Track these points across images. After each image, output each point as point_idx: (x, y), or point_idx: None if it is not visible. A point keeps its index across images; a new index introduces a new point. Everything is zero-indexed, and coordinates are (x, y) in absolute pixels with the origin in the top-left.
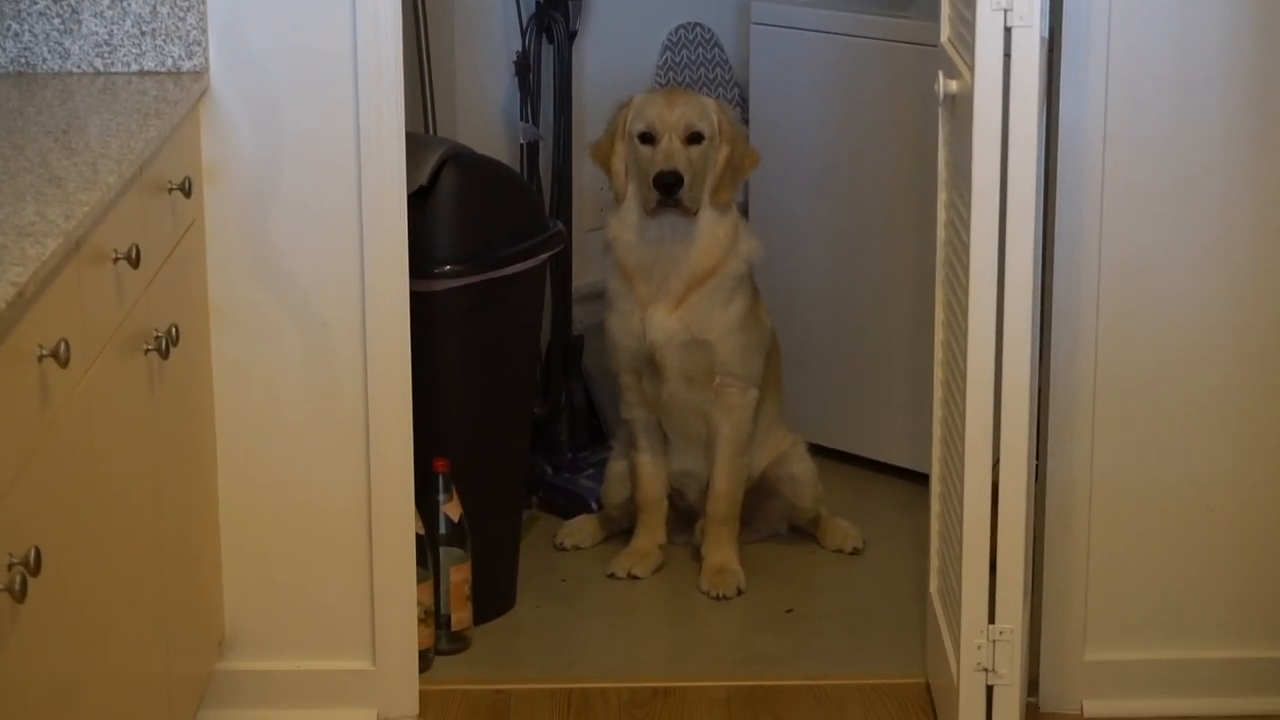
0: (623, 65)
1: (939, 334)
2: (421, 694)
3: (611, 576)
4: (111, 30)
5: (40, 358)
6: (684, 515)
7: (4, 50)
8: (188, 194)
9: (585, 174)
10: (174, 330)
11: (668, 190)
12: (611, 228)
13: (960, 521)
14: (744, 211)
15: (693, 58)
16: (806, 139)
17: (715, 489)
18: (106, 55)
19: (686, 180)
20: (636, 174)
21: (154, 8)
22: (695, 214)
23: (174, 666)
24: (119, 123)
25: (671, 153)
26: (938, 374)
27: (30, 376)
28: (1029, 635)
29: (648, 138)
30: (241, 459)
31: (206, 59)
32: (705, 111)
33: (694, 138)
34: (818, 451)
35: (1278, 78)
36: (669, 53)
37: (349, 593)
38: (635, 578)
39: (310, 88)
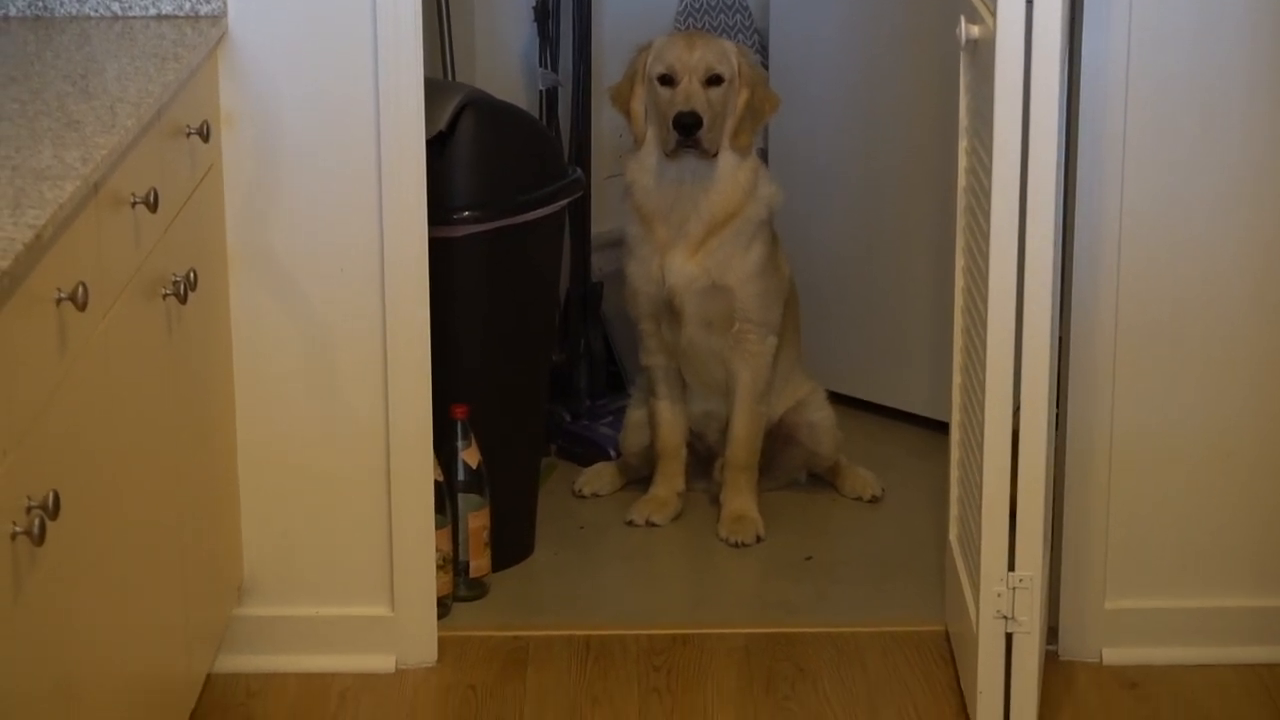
0: (642, 11)
1: (959, 281)
2: (440, 640)
3: (630, 524)
4: None
5: (58, 301)
6: (703, 458)
7: None
8: (206, 138)
9: (604, 120)
10: (192, 275)
11: (687, 131)
12: (630, 171)
13: (980, 469)
14: (764, 158)
15: (712, 3)
16: (826, 85)
17: (734, 436)
18: None
19: (706, 121)
20: (656, 116)
21: None
22: (714, 156)
23: (192, 612)
24: (137, 66)
25: (691, 94)
26: (958, 321)
27: (48, 320)
28: (1048, 583)
29: (667, 80)
30: (260, 404)
31: (225, 2)
32: (725, 54)
33: (713, 80)
34: (837, 399)
35: None
36: None
37: (367, 539)
38: (654, 525)
39: (329, 32)
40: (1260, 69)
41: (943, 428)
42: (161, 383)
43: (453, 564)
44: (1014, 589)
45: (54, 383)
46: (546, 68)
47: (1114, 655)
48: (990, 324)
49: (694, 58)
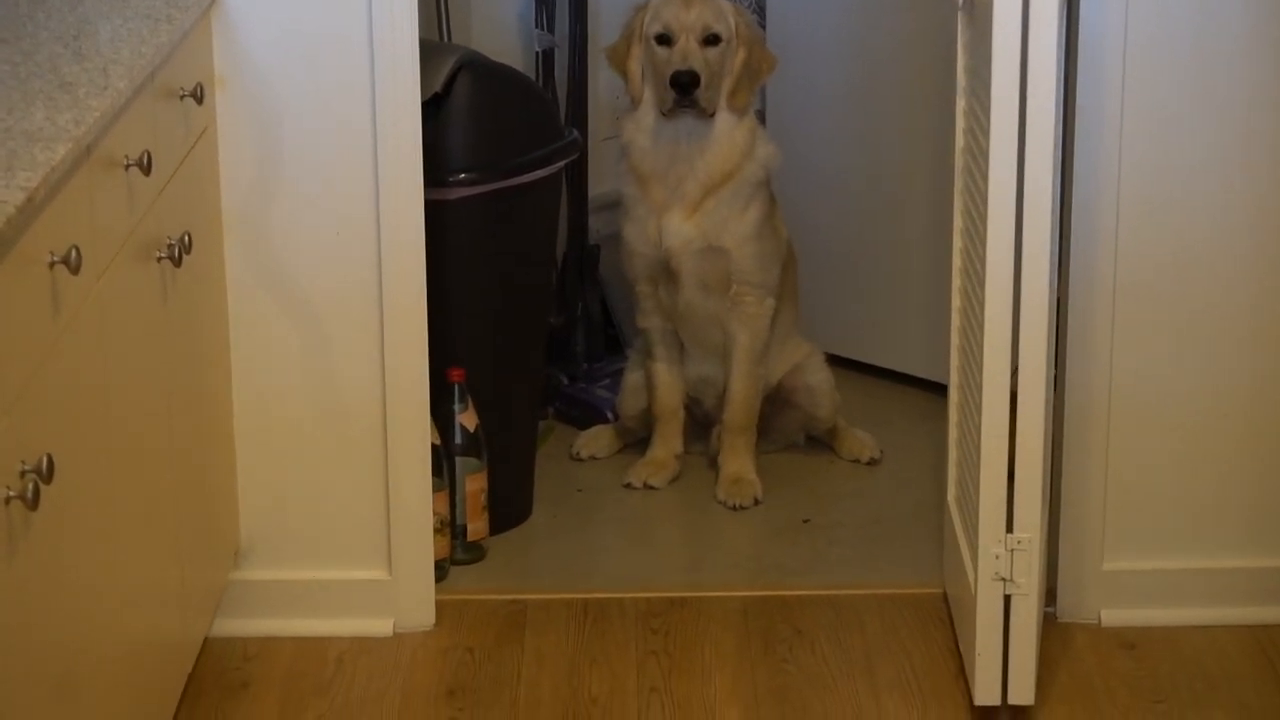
0: None
1: (957, 242)
2: (437, 604)
3: (628, 486)
4: None
5: (51, 264)
6: (701, 423)
7: None
8: (200, 100)
9: (601, 82)
10: (186, 238)
11: (684, 90)
12: (627, 131)
13: (978, 431)
14: (761, 119)
15: None
16: (823, 45)
17: (732, 398)
18: None
19: (703, 80)
20: (653, 76)
21: None
22: (711, 117)
23: (189, 576)
24: (130, 28)
25: (688, 53)
26: (956, 282)
27: (41, 283)
28: (1046, 545)
29: (664, 39)
30: (255, 367)
31: None
32: (722, 13)
33: (711, 39)
34: (835, 362)
35: None
36: None
37: (364, 502)
38: (651, 488)
39: None
40: (1258, 25)
41: (941, 390)
42: (156, 346)
43: (450, 527)
44: (1012, 551)
45: (47, 346)
46: (543, 29)
47: (1112, 617)
48: (988, 285)
49: (691, 17)
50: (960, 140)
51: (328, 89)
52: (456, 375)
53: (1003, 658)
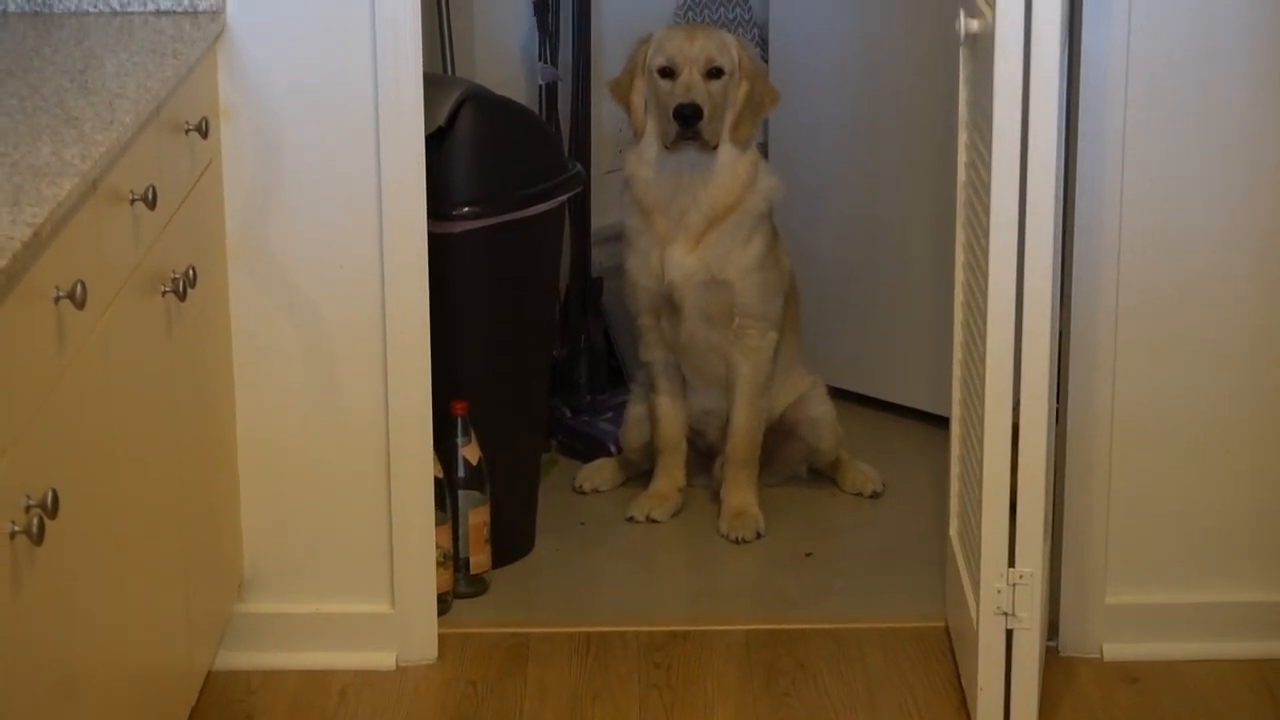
0: (642, 5)
1: (959, 275)
2: (440, 637)
3: (630, 519)
4: None
5: (56, 299)
6: (704, 455)
7: None
8: (205, 134)
9: (604, 115)
10: (191, 272)
11: (687, 122)
12: (630, 164)
13: (980, 464)
14: (764, 153)
15: None
16: (826, 79)
17: (735, 431)
18: None
19: (706, 113)
20: (656, 109)
21: None
22: (714, 149)
23: (193, 609)
24: (136, 62)
25: (691, 85)
26: (958, 315)
27: (47, 318)
28: (1049, 578)
29: (668, 72)
30: (259, 401)
31: None
32: (725, 46)
33: (714, 72)
34: (837, 394)
35: None
36: None
37: (368, 535)
38: (654, 521)
39: (328, 27)
40: (1259, 59)
41: (943, 423)
42: (161, 380)
43: (453, 560)
44: (1014, 585)
45: (52, 381)
46: (546, 62)
47: (1114, 650)
48: (990, 318)
49: (694, 49)
50: (962, 173)
51: (332, 122)
52: (460, 408)
53: (1005, 692)
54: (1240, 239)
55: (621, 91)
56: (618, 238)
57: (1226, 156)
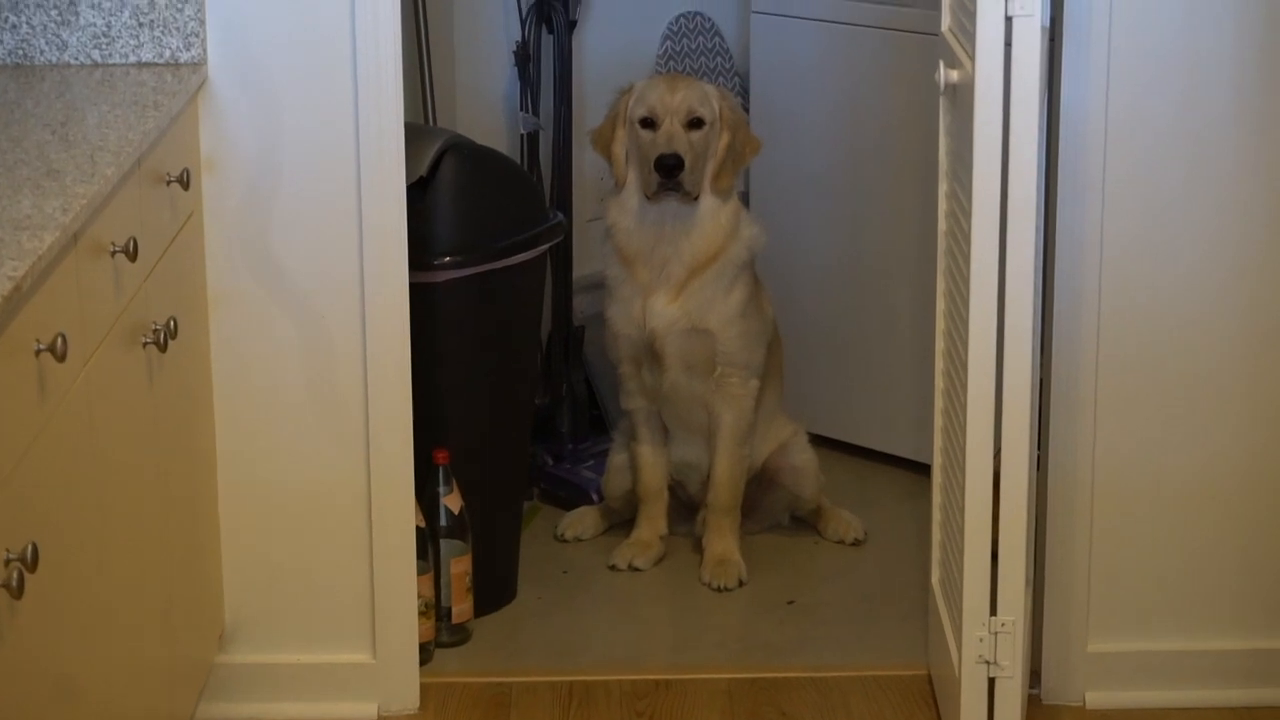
0: (623, 55)
1: (940, 324)
2: (422, 686)
3: (613, 568)
4: (109, 21)
5: (38, 352)
6: (685, 506)
7: (1, 42)
8: (186, 186)
9: (585, 164)
10: (172, 323)
11: (669, 173)
12: (611, 214)
13: (962, 512)
14: (745, 201)
15: (693, 46)
16: (807, 129)
17: (716, 479)
18: (104, 47)
19: (687, 163)
20: (637, 159)
21: None
22: (696, 199)
23: (174, 659)
24: (117, 115)
25: (673, 135)
26: (939, 364)
27: (27, 371)
28: (1031, 626)
29: (649, 122)
30: (241, 451)
31: (205, 50)
32: (706, 97)
33: (695, 123)
34: (819, 442)
35: None
36: (669, 42)
37: (349, 585)
38: (636, 569)
39: (309, 78)
40: (1240, 112)
41: (925, 470)
42: (142, 432)
43: (435, 609)
44: (996, 634)
45: (33, 433)
46: (527, 111)
47: (1097, 699)
48: (971, 367)
49: (676, 100)
50: (942, 223)
51: (314, 173)
52: (441, 457)
53: None
54: (1221, 289)
55: (603, 141)
56: (599, 286)
57: (1207, 207)
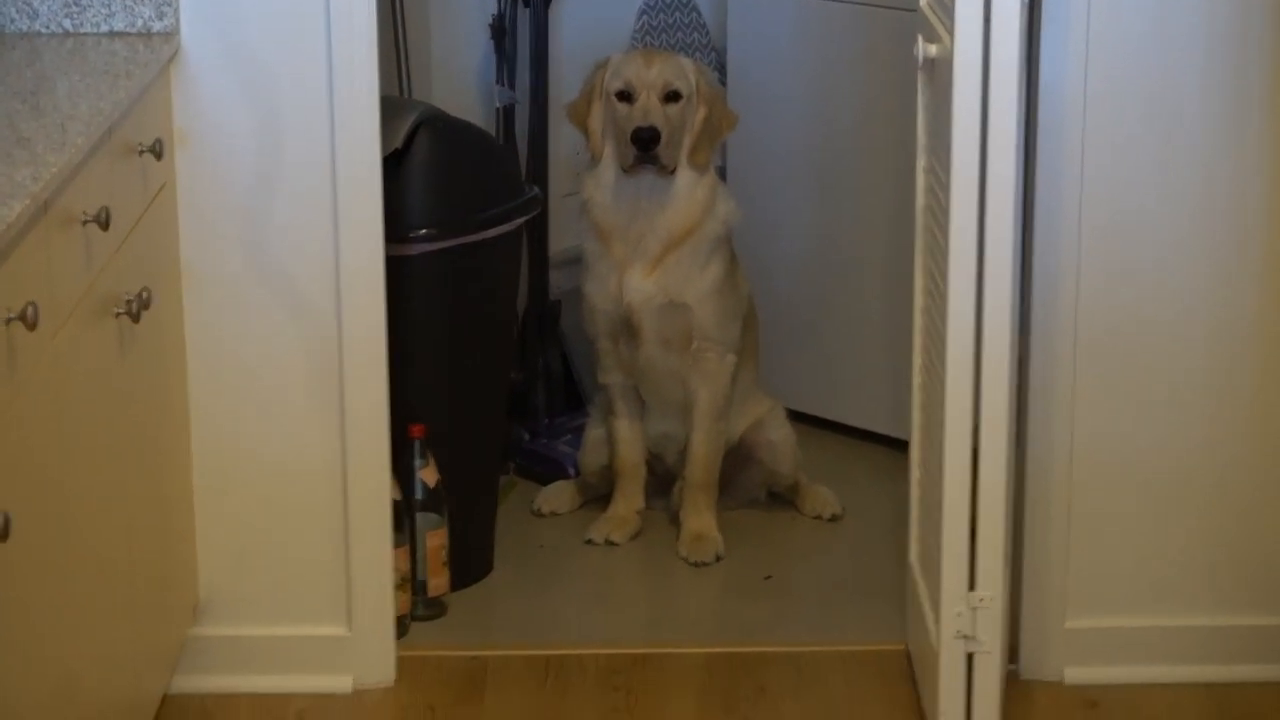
0: (599, 29)
1: (918, 300)
2: (398, 660)
3: (589, 543)
4: None
5: (8, 321)
6: (662, 479)
7: None
8: (159, 156)
9: (562, 138)
10: (145, 294)
11: (645, 146)
12: (587, 188)
13: (940, 488)
14: (722, 176)
15: (669, 21)
16: (784, 104)
17: (693, 455)
18: (75, 15)
19: (664, 137)
20: (614, 133)
21: None
22: (672, 173)
23: (147, 633)
24: (88, 84)
25: (649, 109)
26: (917, 340)
27: None
28: (1009, 602)
29: (625, 96)
30: (215, 423)
31: (177, 20)
32: (683, 71)
33: (672, 96)
34: (796, 418)
35: (1258, 40)
36: (645, 17)
37: (324, 558)
38: (613, 544)
39: (283, 50)
40: (1218, 87)
41: (903, 446)
42: (114, 402)
43: (411, 583)
44: (974, 609)
45: (3, 403)
46: (503, 85)
47: (1075, 674)
48: (949, 342)
49: (652, 74)
50: (921, 199)
51: (288, 145)
52: (417, 431)
53: (966, 716)
54: (1198, 266)
55: (579, 115)
56: (576, 261)
57: (1186, 183)
